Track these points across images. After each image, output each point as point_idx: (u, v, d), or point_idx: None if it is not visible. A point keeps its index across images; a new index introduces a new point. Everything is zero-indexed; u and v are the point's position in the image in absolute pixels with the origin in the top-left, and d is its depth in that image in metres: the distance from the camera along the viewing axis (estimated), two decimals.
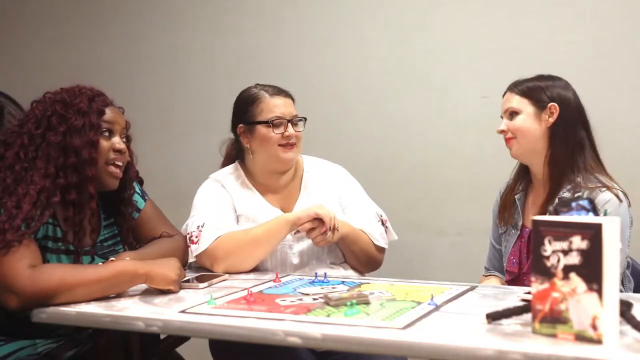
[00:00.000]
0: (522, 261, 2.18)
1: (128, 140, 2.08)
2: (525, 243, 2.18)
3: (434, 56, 3.17)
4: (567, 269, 1.36)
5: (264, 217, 2.27)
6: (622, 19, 2.92)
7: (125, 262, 1.89)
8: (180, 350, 2.27)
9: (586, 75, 2.94)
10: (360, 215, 2.36)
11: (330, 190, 2.39)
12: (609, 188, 2.04)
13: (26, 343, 1.92)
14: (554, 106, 2.12)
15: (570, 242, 1.36)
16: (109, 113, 2.00)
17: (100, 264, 1.93)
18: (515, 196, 2.24)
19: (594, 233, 1.33)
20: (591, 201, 1.49)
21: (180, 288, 1.96)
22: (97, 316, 1.73)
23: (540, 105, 2.14)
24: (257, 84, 2.40)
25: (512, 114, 2.17)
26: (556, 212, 1.48)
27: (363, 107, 3.28)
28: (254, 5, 3.46)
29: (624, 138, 2.90)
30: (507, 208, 2.25)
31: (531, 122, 2.14)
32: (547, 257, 1.39)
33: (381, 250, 2.37)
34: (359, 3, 3.28)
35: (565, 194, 2.07)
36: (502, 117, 2.21)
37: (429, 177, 3.17)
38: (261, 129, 2.31)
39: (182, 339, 2.19)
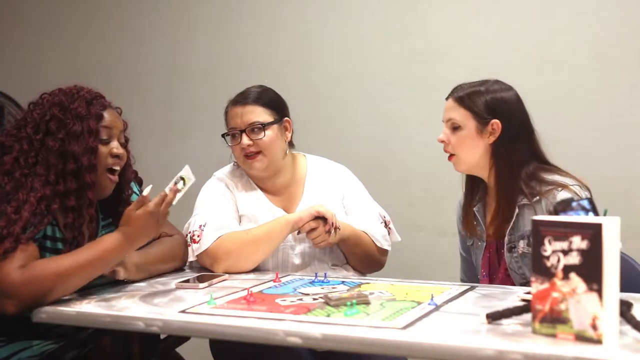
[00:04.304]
0: (492, 272, 2.16)
1: (126, 140, 2.07)
2: (494, 253, 2.16)
3: (434, 56, 3.17)
4: (567, 269, 1.36)
5: (265, 218, 2.27)
6: (622, 19, 2.92)
7: (110, 239, 1.87)
8: (180, 350, 2.27)
9: (586, 75, 2.95)
10: (363, 216, 2.36)
11: (333, 191, 2.39)
12: (565, 187, 2.01)
13: (26, 344, 1.91)
14: (496, 124, 2.06)
15: (570, 242, 1.36)
16: (107, 117, 1.98)
17: (87, 246, 1.91)
18: (474, 208, 2.20)
19: (593, 233, 1.33)
20: (591, 201, 1.49)
21: (179, 288, 1.96)
22: (97, 316, 1.73)
23: (482, 121, 2.07)
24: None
25: (454, 126, 2.11)
26: (556, 212, 1.48)
27: (363, 107, 3.28)
28: (254, 5, 3.46)
29: (624, 138, 2.91)
30: (468, 221, 2.21)
31: (472, 140, 2.08)
32: (547, 257, 1.39)
33: (384, 252, 2.37)
34: (358, 3, 3.28)
35: (524, 201, 2.05)
36: (443, 122, 2.16)
37: (429, 177, 3.17)
38: (228, 141, 2.34)
39: (182, 339, 2.19)
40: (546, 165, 2.11)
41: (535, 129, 2.13)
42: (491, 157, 2.10)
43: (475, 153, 2.10)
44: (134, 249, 1.89)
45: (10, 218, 1.80)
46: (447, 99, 2.16)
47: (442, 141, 2.14)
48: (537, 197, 2.04)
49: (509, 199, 2.07)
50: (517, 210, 2.06)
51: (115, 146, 1.99)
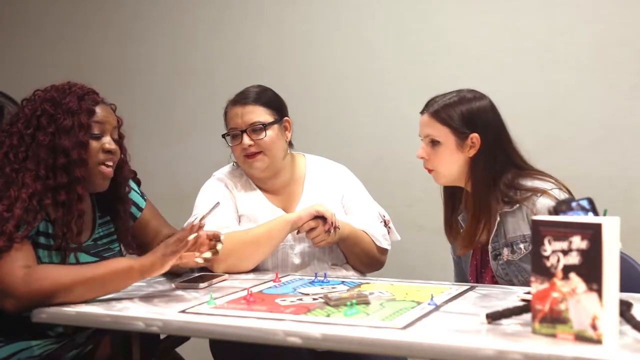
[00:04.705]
0: (478, 279, 2.15)
1: (120, 137, 2.06)
2: (479, 260, 2.15)
3: (434, 56, 3.17)
4: (567, 269, 1.36)
5: (265, 218, 2.27)
6: (622, 19, 2.92)
7: (119, 260, 1.88)
8: (180, 350, 2.27)
9: (586, 75, 2.95)
10: (362, 216, 2.36)
11: (333, 190, 2.39)
12: (544, 192, 2.00)
13: (26, 345, 1.91)
14: (476, 137, 2.04)
15: (570, 242, 1.36)
16: (99, 112, 1.97)
17: (96, 262, 1.92)
18: (459, 217, 2.19)
19: (593, 233, 1.33)
20: (591, 201, 1.49)
21: (179, 288, 1.97)
22: (97, 316, 1.73)
23: (461, 136, 2.05)
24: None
25: (433, 141, 2.09)
26: (556, 212, 1.48)
27: (363, 107, 3.28)
28: (254, 5, 3.46)
29: (624, 138, 2.91)
30: (452, 231, 2.20)
31: (452, 155, 2.07)
32: (547, 257, 1.39)
33: (383, 251, 2.37)
34: (359, 3, 3.28)
35: (506, 208, 2.04)
36: (420, 137, 2.13)
37: (429, 177, 3.16)
38: (228, 141, 2.33)
39: (182, 339, 2.19)
40: (525, 170, 2.09)
41: (511, 135, 2.11)
42: (469, 169, 2.08)
43: (455, 167, 2.09)
44: (144, 277, 1.85)
45: (2, 216, 1.80)
46: (421, 113, 2.13)
47: (422, 157, 2.13)
48: (517, 205, 2.03)
49: (488, 209, 2.06)
50: (498, 219, 2.06)
51: (107, 142, 1.97)
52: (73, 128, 1.91)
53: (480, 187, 2.07)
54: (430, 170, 2.14)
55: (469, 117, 2.06)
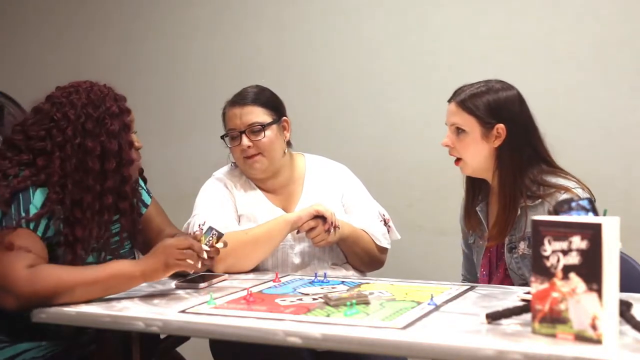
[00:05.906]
0: (492, 273, 2.16)
1: None
2: (494, 253, 2.16)
3: (434, 56, 3.16)
4: (567, 269, 1.36)
5: (264, 217, 2.27)
6: (622, 20, 2.92)
7: (122, 263, 1.89)
8: (180, 350, 2.27)
9: (586, 75, 2.95)
10: (362, 215, 2.36)
11: (332, 189, 2.39)
12: (567, 189, 2.01)
13: (28, 346, 1.92)
14: (501, 128, 2.05)
15: (570, 242, 1.36)
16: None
17: (99, 265, 1.92)
18: (477, 208, 2.19)
19: (593, 233, 1.33)
20: (591, 201, 1.49)
21: (179, 288, 1.97)
22: (97, 316, 1.73)
23: (487, 126, 2.06)
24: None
25: (458, 130, 2.10)
26: (556, 212, 1.48)
27: (363, 107, 3.28)
28: (254, 5, 3.46)
29: (624, 138, 2.91)
30: (470, 220, 2.21)
31: (477, 144, 2.07)
32: (547, 257, 1.39)
33: (383, 250, 2.37)
34: (359, 3, 3.28)
35: (528, 202, 2.04)
36: (446, 124, 2.14)
37: (429, 177, 3.17)
38: (227, 142, 2.33)
39: (182, 339, 2.19)
40: (551, 167, 2.10)
41: (539, 129, 2.12)
42: (496, 160, 2.09)
43: (481, 157, 2.09)
44: (147, 281, 1.87)
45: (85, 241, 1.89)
46: (449, 101, 2.15)
47: (447, 145, 2.14)
48: (539, 200, 2.04)
49: (514, 202, 2.06)
50: (518, 212, 2.06)
51: (135, 139, 2.02)
52: (120, 131, 1.95)
53: (507, 179, 2.07)
54: (457, 161, 2.14)
55: (496, 107, 2.07)
